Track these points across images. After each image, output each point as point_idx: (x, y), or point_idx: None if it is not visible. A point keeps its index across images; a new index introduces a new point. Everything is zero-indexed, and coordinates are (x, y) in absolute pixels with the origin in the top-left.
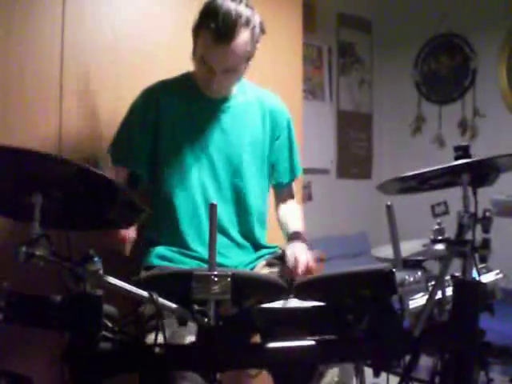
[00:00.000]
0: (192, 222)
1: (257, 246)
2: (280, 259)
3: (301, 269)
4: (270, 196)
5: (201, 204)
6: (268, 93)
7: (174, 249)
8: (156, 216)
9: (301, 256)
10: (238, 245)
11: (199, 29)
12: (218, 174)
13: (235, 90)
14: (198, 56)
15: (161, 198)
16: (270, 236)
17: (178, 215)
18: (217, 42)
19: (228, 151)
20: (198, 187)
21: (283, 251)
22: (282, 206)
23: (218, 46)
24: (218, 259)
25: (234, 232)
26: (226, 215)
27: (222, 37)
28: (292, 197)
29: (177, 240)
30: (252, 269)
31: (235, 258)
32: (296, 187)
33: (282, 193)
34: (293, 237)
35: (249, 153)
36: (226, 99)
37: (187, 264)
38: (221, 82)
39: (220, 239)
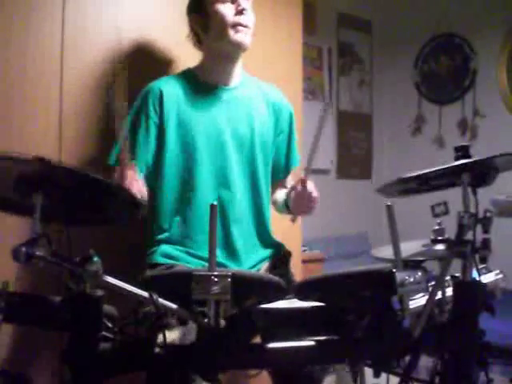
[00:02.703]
0: (205, 219)
1: (266, 241)
2: (284, 261)
3: (310, 190)
4: None
5: (212, 200)
6: (271, 87)
7: (179, 248)
8: (161, 214)
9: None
10: (251, 241)
11: None
12: (236, 168)
13: (239, 80)
14: (214, 2)
15: (167, 195)
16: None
17: (190, 212)
18: None
19: (241, 144)
20: (215, 183)
21: (288, 251)
22: (276, 192)
23: None
24: (227, 260)
25: (250, 227)
26: (244, 209)
27: None
28: (287, 183)
29: (184, 238)
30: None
31: (245, 258)
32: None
33: (277, 185)
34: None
35: (259, 145)
36: (230, 90)
37: (192, 264)
38: (246, 14)
39: (235, 235)
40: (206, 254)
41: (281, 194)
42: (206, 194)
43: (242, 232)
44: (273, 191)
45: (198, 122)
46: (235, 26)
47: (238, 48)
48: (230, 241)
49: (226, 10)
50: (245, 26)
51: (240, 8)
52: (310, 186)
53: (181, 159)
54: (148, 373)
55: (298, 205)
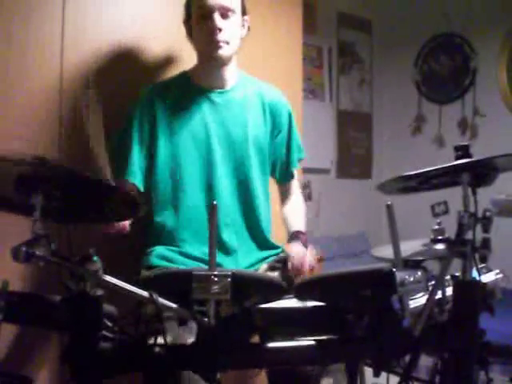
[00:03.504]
0: (194, 221)
1: (262, 244)
2: (283, 262)
3: (303, 269)
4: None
5: (204, 203)
6: (268, 86)
7: (174, 249)
8: (157, 216)
9: (301, 257)
10: (245, 244)
11: None
12: (223, 170)
13: (235, 82)
14: (196, 17)
15: (159, 197)
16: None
17: (180, 215)
18: None
19: (232, 146)
20: (201, 186)
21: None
22: (285, 205)
23: None
24: (223, 260)
25: (242, 230)
26: (233, 213)
27: None
28: (294, 191)
29: (178, 240)
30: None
31: (241, 259)
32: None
33: (285, 189)
34: (293, 237)
35: (252, 148)
36: (224, 93)
37: (187, 265)
38: (222, 28)
39: (227, 238)
40: (198, 253)
41: (287, 217)
42: (194, 197)
43: (235, 235)
44: (281, 197)
45: (189, 126)
46: (212, 43)
47: (218, 62)
48: (224, 244)
49: (204, 30)
50: (222, 42)
51: (215, 28)
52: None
53: (171, 163)
54: (144, 374)
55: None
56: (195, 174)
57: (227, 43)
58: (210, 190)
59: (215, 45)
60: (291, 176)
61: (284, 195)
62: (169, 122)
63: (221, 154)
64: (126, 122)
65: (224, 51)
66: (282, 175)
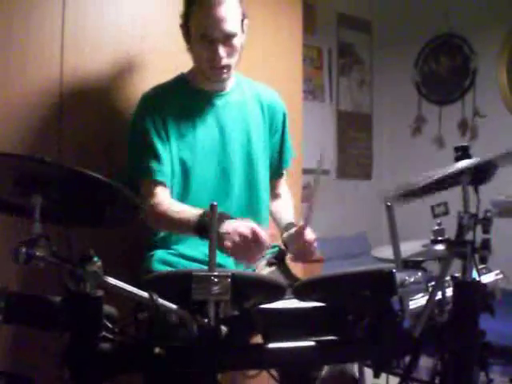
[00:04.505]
0: None
1: None
2: (279, 258)
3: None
4: None
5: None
6: (264, 87)
7: (174, 252)
8: None
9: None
10: None
11: (190, 10)
12: (230, 175)
13: (232, 84)
14: (197, 37)
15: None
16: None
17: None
18: (212, 6)
19: (237, 150)
20: (208, 190)
21: (283, 250)
22: (274, 200)
23: (215, 9)
24: (224, 261)
25: None
26: (236, 214)
27: (216, 1)
28: (283, 188)
29: (179, 242)
30: (253, 270)
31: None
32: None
33: (273, 186)
34: (290, 226)
35: (257, 148)
36: (224, 96)
37: (188, 268)
38: (225, 56)
39: None
40: (199, 255)
41: (278, 212)
42: (200, 200)
43: None
44: (270, 194)
45: (194, 131)
46: (214, 69)
47: (218, 83)
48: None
49: (206, 53)
50: (225, 68)
51: (218, 57)
52: (310, 235)
53: (177, 167)
54: (145, 374)
55: (297, 254)
56: (202, 179)
57: (229, 67)
58: (217, 193)
59: (217, 71)
60: (281, 174)
61: (273, 191)
62: (176, 127)
63: (227, 159)
64: (137, 128)
65: (226, 75)
66: (274, 174)
